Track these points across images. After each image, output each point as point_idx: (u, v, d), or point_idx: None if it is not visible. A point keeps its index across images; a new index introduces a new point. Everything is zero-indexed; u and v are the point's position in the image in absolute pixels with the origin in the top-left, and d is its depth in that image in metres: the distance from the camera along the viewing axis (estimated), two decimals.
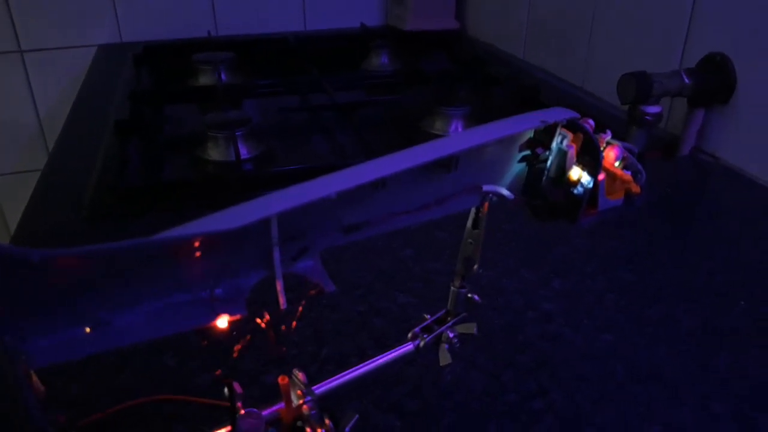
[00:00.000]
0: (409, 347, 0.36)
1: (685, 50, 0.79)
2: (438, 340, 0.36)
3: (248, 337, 0.27)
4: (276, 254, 0.27)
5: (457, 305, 0.37)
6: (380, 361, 0.35)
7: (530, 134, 0.33)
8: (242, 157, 0.76)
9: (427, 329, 0.36)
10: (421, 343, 0.35)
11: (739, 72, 0.72)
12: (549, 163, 0.33)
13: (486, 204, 0.33)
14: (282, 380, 0.29)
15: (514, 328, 0.48)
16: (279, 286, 0.27)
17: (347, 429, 0.30)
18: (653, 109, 0.73)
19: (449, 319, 0.37)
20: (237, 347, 0.27)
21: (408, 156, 0.28)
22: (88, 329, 0.24)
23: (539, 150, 0.32)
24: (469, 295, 0.36)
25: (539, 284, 0.53)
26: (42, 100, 1.25)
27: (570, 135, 0.32)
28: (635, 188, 0.33)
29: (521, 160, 0.33)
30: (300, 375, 0.30)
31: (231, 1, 1.30)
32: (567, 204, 0.33)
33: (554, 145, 0.32)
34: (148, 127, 0.86)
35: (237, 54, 1.13)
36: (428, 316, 0.36)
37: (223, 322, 0.25)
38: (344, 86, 1.02)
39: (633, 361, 0.45)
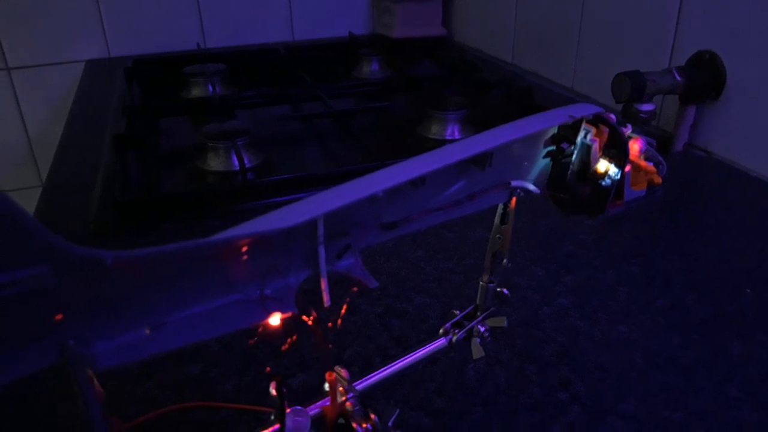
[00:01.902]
0: (442, 342, 0.36)
1: (674, 49, 0.81)
2: (469, 335, 0.37)
3: (294, 336, 0.28)
4: (321, 253, 0.27)
5: (486, 300, 0.37)
6: (416, 356, 0.35)
7: (554, 130, 0.34)
8: (246, 166, 0.76)
9: (457, 324, 0.37)
10: (454, 338, 0.36)
11: (729, 68, 0.74)
12: (574, 157, 0.34)
13: (514, 199, 0.34)
14: (329, 376, 0.30)
15: (532, 323, 0.49)
16: (324, 284, 0.28)
17: (390, 423, 0.31)
18: (647, 107, 0.75)
19: (479, 313, 0.37)
20: (284, 347, 0.28)
21: (446, 153, 0.28)
22: (148, 331, 0.24)
23: (564, 145, 0.33)
24: (498, 289, 0.37)
25: (551, 280, 0.54)
26: (30, 117, 1.24)
27: (593, 129, 0.33)
28: (657, 179, 0.34)
29: (546, 156, 0.34)
30: (343, 372, 0.31)
31: (218, 14, 1.30)
32: (593, 196, 0.34)
33: (579, 139, 0.33)
34: (146, 141, 0.85)
35: (227, 65, 1.13)
36: (458, 312, 0.37)
37: (275, 320, 0.26)
38: (337, 94, 1.03)
39: (649, 350, 0.46)
